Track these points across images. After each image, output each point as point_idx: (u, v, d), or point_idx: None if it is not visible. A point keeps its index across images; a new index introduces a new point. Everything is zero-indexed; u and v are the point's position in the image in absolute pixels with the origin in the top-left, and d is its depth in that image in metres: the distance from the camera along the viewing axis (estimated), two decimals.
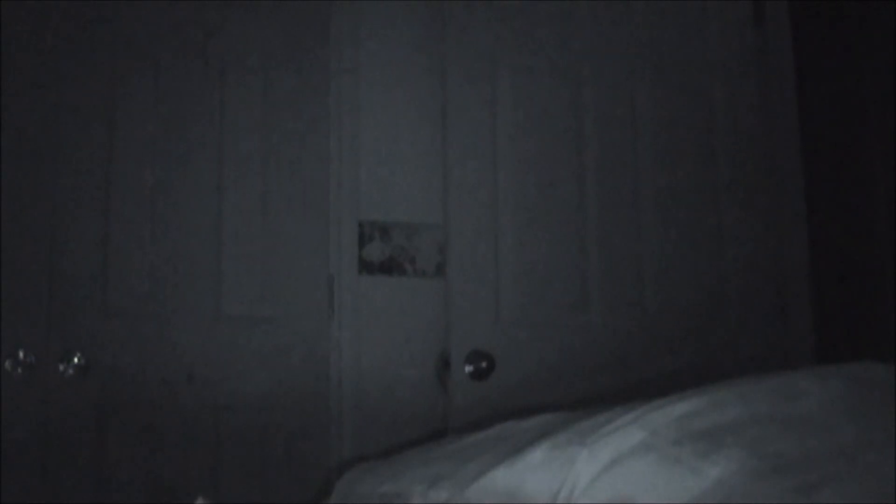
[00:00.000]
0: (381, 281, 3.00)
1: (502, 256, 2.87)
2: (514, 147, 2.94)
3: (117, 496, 2.78)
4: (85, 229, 2.86)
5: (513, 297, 2.87)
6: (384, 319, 2.98)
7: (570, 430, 1.38)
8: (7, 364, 2.72)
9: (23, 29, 2.86)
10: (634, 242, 3.01)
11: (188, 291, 2.92)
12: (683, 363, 2.92)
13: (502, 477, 1.37)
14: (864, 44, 3.08)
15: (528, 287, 2.89)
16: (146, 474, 2.81)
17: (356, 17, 3.09)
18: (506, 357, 2.80)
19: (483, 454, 1.48)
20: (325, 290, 2.99)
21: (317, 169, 3.05)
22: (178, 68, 3.00)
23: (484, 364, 2.78)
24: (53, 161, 2.85)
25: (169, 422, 2.85)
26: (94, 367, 2.80)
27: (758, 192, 3.14)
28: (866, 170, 3.07)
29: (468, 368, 2.77)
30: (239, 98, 3.03)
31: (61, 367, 2.77)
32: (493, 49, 2.95)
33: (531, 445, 1.38)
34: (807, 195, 3.16)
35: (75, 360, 2.78)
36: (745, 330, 3.05)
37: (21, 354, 2.73)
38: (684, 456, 1.25)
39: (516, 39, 2.99)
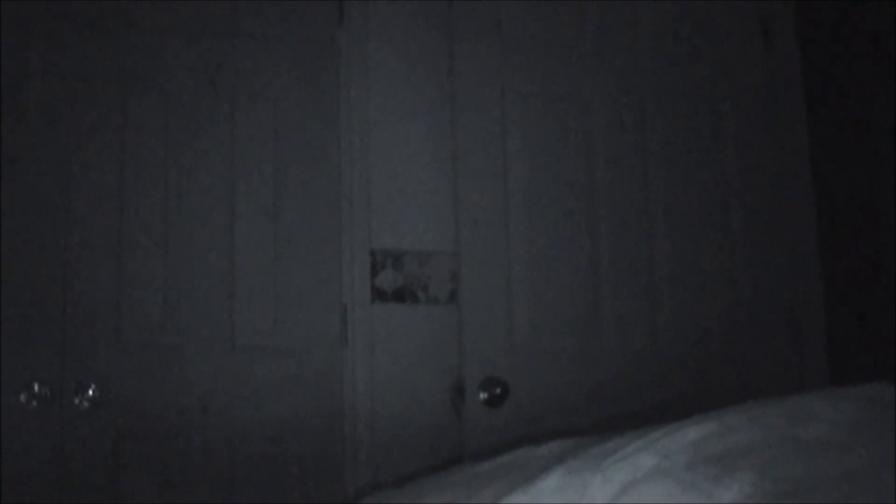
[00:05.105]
0: (393, 309, 3.00)
1: (515, 282, 2.88)
2: (524, 173, 2.95)
3: None
4: (98, 262, 2.87)
5: (526, 323, 2.87)
6: (397, 347, 2.99)
7: (584, 456, 1.38)
8: (22, 397, 2.73)
9: (34, 63, 2.89)
10: (647, 267, 3.01)
11: (201, 322, 2.93)
12: (697, 387, 2.91)
13: (517, 503, 1.37)
14: (873, 69, 3.09)
15: (541, 313, 2.90)
16: None
17: (365, 46, 3.11)
18: (520, 383, 2.80)
19: (498, 480, 1.48)
20: (338, 319, 3.00)
21: (328, 198, 3.06)
22: (189, 100, 3.02)
23: (498, 390, 2.78)
24: (66, 194, 2.87)
25: (184, 452, 2.86)
26: (109, 399, 2.81)
27: (770, 215, 3.14)
28: (877, 192, 3.07)
29: (482, 395, 2.77)
30: (249, 129, 3.05)
31: (76, 400, 2.78)
32: (503, 76, 2.96)
33: (546, 471, 1.38)
34: (819, 217, 3.16)
35: (90, 392, 2.79)
36: (759, 353, 3.05)
37: (36, 387, 2.74)
38: (697, 480, 1.25)
39: (525, 66, 3.01)
